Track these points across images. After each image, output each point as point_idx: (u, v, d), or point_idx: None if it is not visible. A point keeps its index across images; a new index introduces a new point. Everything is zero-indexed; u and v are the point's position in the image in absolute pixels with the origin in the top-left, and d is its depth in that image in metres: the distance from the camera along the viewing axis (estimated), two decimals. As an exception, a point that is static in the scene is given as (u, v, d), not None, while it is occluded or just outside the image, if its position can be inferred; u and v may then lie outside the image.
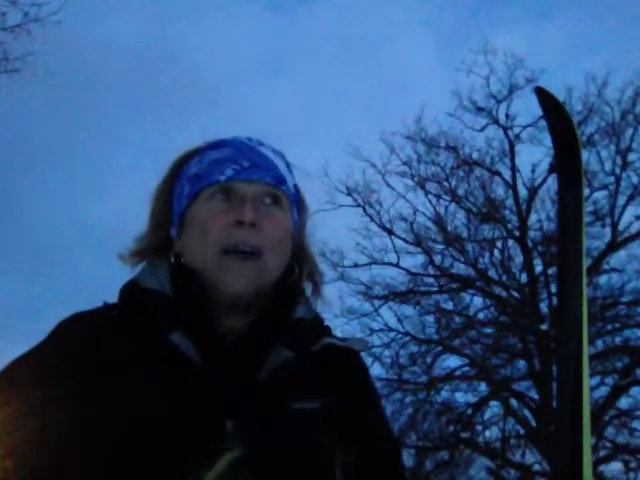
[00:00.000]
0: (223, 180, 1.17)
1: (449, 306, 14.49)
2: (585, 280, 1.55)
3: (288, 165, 1.26)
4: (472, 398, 13.77)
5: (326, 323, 1.25)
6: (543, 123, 11.92)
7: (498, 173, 14.38)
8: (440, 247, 14.46)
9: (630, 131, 13.58)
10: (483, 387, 13.86)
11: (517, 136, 14.30)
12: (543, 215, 13.90)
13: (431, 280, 14.60)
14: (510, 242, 14.30)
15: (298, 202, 1.26)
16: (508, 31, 21.86)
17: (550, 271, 13.43)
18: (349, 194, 14.40)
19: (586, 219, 1.62)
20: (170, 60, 22.11)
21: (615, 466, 12.82)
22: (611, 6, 18.29)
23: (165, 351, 1.07)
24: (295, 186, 1.26)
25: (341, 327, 14.00)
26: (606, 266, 13.52)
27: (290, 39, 23.87)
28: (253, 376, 1.09)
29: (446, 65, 13.97)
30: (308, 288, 1.25)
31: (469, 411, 13.69)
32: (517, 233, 14.14)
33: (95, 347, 1.09)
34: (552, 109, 1.71)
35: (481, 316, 14.24)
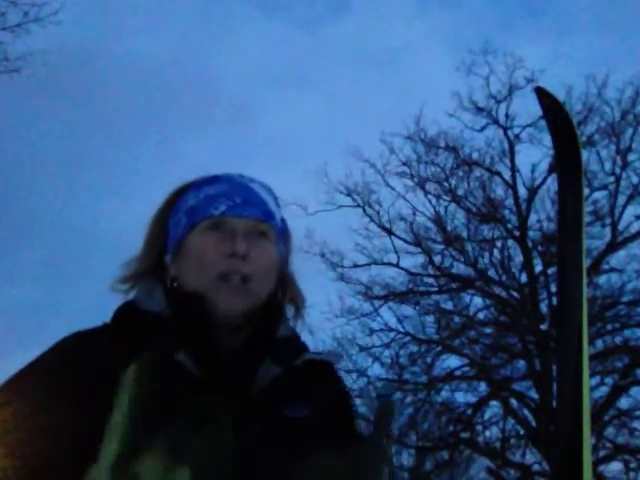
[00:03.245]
0: (217, 214, 1.29)
1: (449, 306, 14.51)
2: (585, 280, 1.55)
3: (276, 199, 1.38)
4: (472, 398, 13.78)
5: (302, 340, 1.38)
6: (543, 123, 11.91)
7: (498, 173, 14.38)
8: (440, 247, 14.48)
9: (630, 131, 13.60)
10: (483, 387, 13.87)
11: (517, 136, 14.31)
12: (543, 215, 13.91)
13: (431, 280, 14.62)
14: (510, 242, 14.31)
15: (284, 234, 1.39)
16: (526, 47, 21.95)
17: (550, 271, 13.43)
18: (349, 194, 14.43)
19: (586, 219, 1.62)
20: (194, 74, 22.37)
21: (615, 466, 12.85)
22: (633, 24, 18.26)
23: (170, 371, 1.16)
24: (282, 219, 1.39)
25: (341, 327, 14.06)
26: (606, 266, 13.53)
27: (312, 55, 24.08)
28: (248, 390, 1.21)
29: (458, 72, 13.89)
30: (290, 310, 1.39)
31: (469, 411, 13.69)
32: (517, 233, 14.14)
33: (93, 366, 1.15)
34: (552, 109, 1.71)
35: (481, 316, 14.26)
